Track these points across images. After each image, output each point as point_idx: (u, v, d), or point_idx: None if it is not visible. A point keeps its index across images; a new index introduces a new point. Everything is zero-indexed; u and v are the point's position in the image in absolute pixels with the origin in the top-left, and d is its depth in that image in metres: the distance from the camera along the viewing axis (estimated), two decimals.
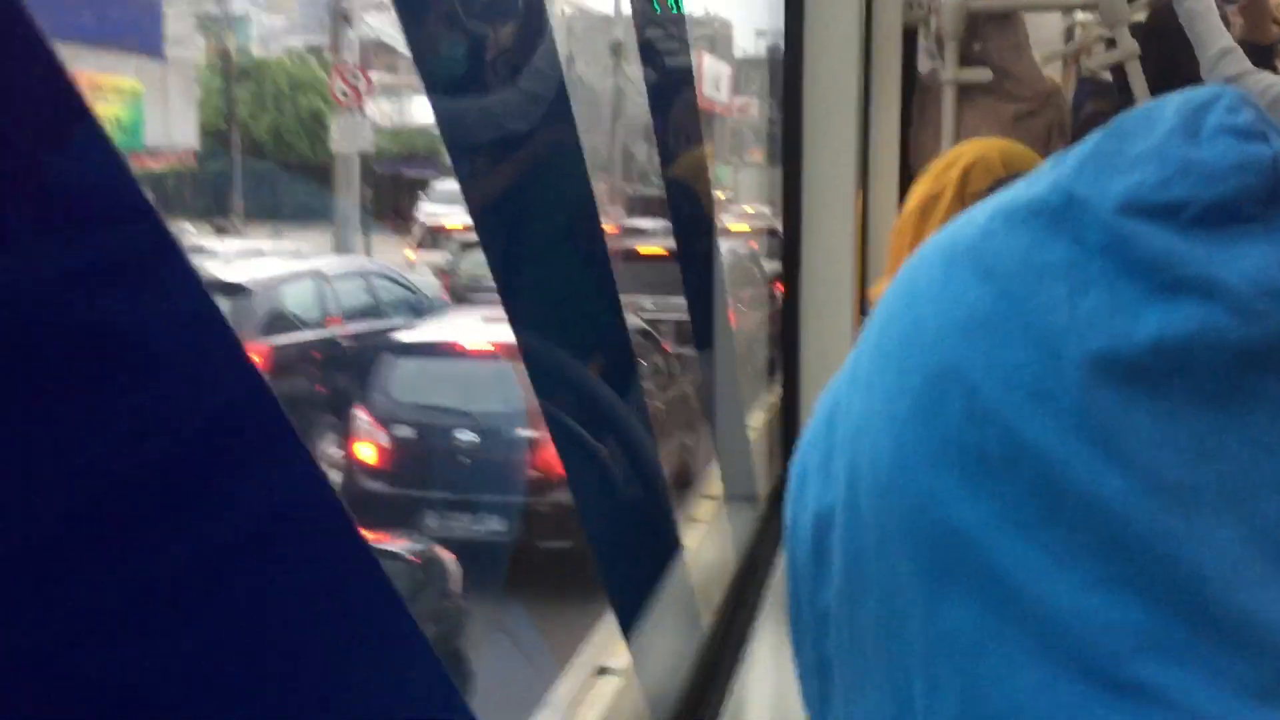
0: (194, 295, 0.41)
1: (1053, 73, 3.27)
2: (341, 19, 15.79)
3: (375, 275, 8.84)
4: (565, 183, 1.17)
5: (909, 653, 0.43)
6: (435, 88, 0.94)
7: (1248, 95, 0.42)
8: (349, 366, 7.23)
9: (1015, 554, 0.39)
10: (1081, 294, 0.40)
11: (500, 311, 1.03)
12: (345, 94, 15.20)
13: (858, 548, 0.45)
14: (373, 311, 8.18)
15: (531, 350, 1.07)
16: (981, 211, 0.46)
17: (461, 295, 9.38)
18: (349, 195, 15.17)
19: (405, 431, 6.20)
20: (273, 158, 20.80)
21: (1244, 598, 0.37)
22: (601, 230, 1.27)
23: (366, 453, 6.17)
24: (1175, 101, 0.42)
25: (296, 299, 7.66)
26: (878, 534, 0.44)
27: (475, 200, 1.00)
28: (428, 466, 6.19)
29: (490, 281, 1.02)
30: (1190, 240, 0.39)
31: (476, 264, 9.41)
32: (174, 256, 0.40)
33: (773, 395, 2.48)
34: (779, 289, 2.27)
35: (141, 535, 0.39)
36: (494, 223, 1.03)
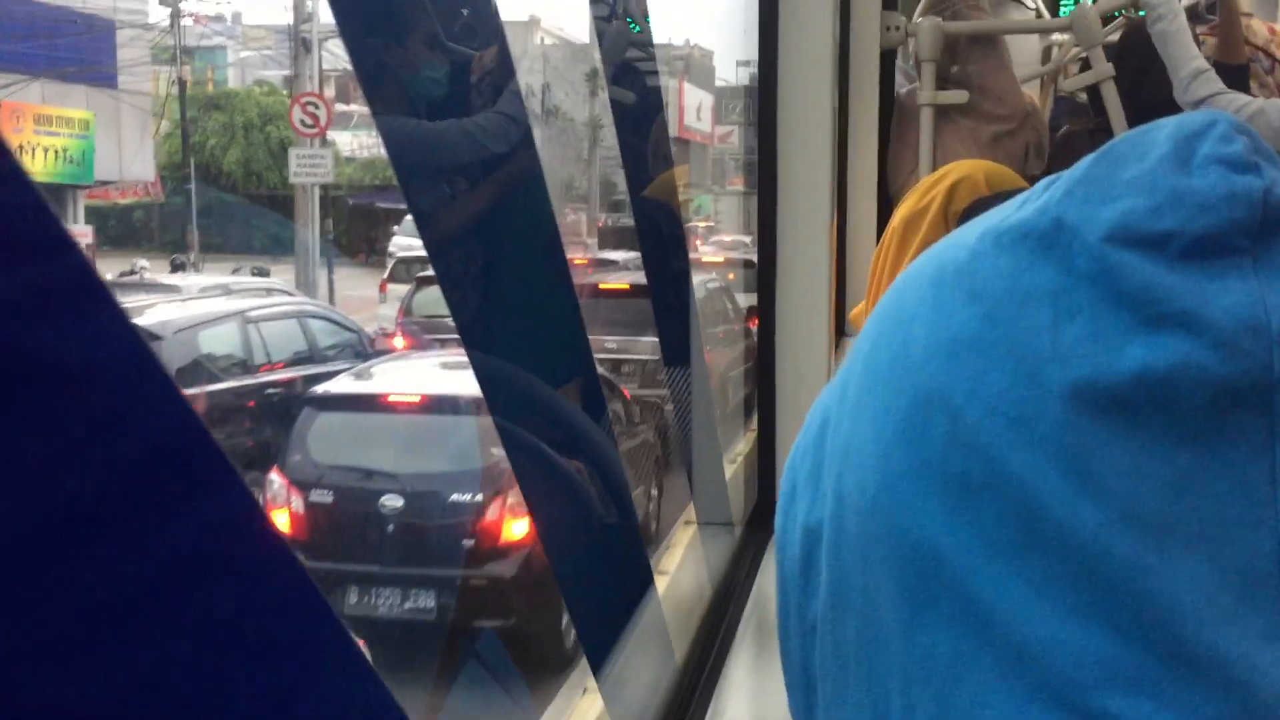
0: (118, 329, 0.39)
1: (1030, 92, 3.28)
2: (301, 46, 15.53)
3: (312, 316, 8.02)
4: (525, 210, 1.15)
5: (888, 673, 0.43)
6: (381, 113, 0.91)
7: (1242, 124, 0.41)
8: (272, 421, 6.48)
9: (992, 581, 0.40)
10: (1066, 321, 0.40)
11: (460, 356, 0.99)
12: (305, 123, 14.85)
13: (843, 565, 0.46)
14: (306, 357, 7.37)
15: (491, 382, 1.04)
16: (971, 231, 0.45)
17: (416, 335, 8.69)
18: (309, 228, 14.76)
19: (324, 496, 5.44)
20: (242, 190, 20.67)
21: (1213, 634, 0.37)
22: (564, 258, 1.24)
23: (280, 520, 5.31)
24: (1169, 127, 0.42)
25: (216, 345, 6.94)
26: (861, 553, 0.44)
27: (428, 229, 0.97)
28: (349, 536, 5.45)
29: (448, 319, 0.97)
30: (1177, 273, 0.38)
31: (432, 300, 8.65)
32: (96, 291, 0.39)
33: (746, 444, 2.45)
34: (753, 324, 2.25)
35: (68, 572, 0.38)
36: (449, 251, 1.01)
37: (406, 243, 15.47)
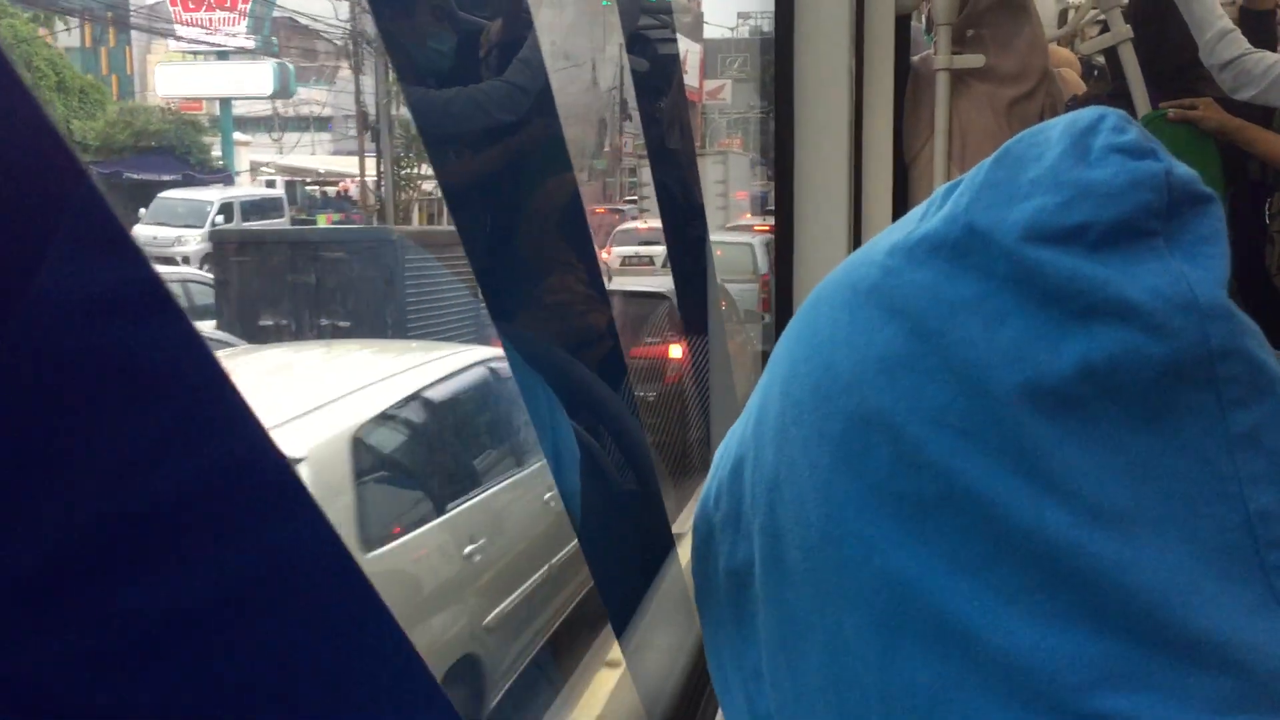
0: (179, 326, 0.39)
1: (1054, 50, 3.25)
2: None
3: None
4: (545, 170, 1.15)
5: (863, 708, 0.42)
6: (405, 82, 0.92)
7: (1128, 116, 0.41)
8: None
9: (965, 597, 0.39)
10: (998, 326, 0.39)
11: None
12: None
13: (789, 605, 0.44)
14: None
15: (514, 340, 1.05)
16: (876, 249, 0.44)
17: None
18: None
19: None
20: None
21: (1200, 616, 0.37)
22: (586, 226, 1.25)
23: None
24: (1060, 125, 0.42)
25: None
26: (813, 589, 0.43)
27: (450, 198, 0.98)
28: None
29: None
30: (1097, 262, 0.38)
31: None
32: (155, 284, 0.38)
33: None
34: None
35: (136, 574, 0.38)
36: (472, 212, 1.02)
37: (151, 234, 11.27)
